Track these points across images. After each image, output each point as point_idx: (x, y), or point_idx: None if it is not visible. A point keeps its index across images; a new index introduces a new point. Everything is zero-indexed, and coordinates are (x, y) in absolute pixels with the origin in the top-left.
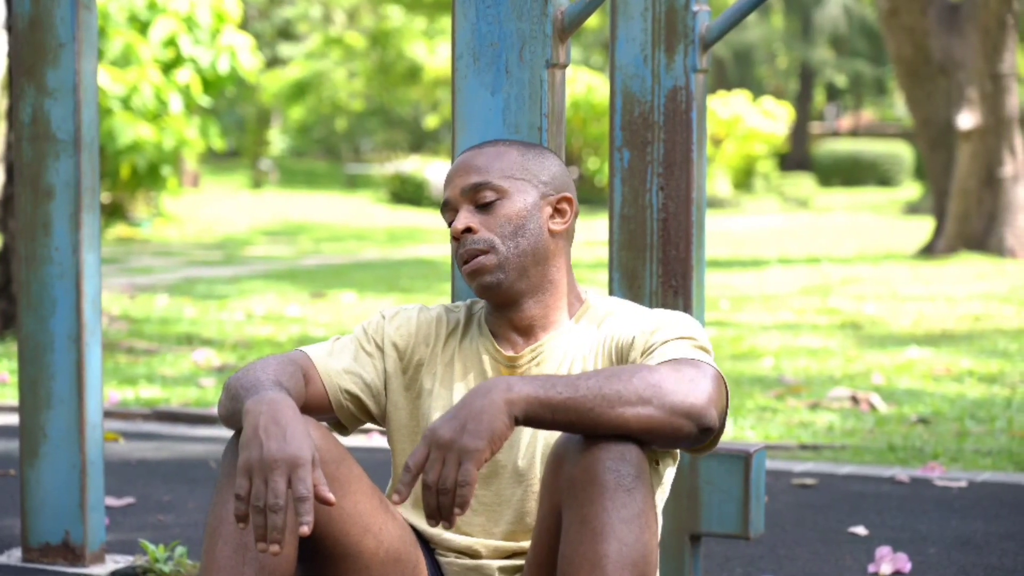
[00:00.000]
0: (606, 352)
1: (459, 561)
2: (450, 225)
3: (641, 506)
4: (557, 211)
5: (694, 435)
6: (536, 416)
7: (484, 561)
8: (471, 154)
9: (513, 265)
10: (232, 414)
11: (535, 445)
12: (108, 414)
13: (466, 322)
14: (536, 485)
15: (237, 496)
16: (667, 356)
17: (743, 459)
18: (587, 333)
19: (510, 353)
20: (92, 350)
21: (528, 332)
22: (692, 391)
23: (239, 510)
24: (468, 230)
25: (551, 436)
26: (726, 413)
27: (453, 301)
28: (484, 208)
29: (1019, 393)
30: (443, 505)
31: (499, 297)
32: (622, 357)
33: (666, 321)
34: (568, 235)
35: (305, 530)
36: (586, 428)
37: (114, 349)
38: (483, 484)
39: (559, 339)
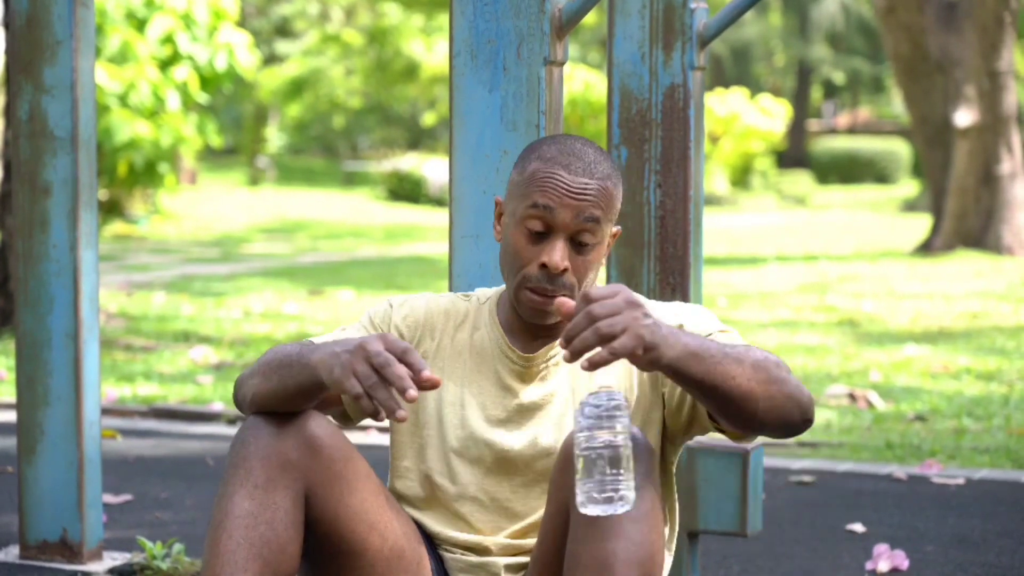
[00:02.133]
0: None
1: (464, 558)
2: (538, 217)
3: (649, 505)
4: (608, 241)
5: (797, 425)
6: (680, 359)
7: (491, 559)
8: (585, 179)
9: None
10: (275, 388)
11: (556, 448)
12: (106, 411)
13: (476, 313)
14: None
15: (356, 397)
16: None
17: (741, 456)
18: None
19: (525, 353)
20: (89, 347)
21: (548, 333)
22: (802, 386)
23: (367, 408)
24: (564, 271)
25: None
26: None
27: None
28: (578, 246)
29: (1016, 390)
30: (588, 340)
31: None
32: None
33: (700, 314)
34: None
35: (412, 393)
36: (715, 380)
37: (112, 346)
38: (499, 482)
39: None
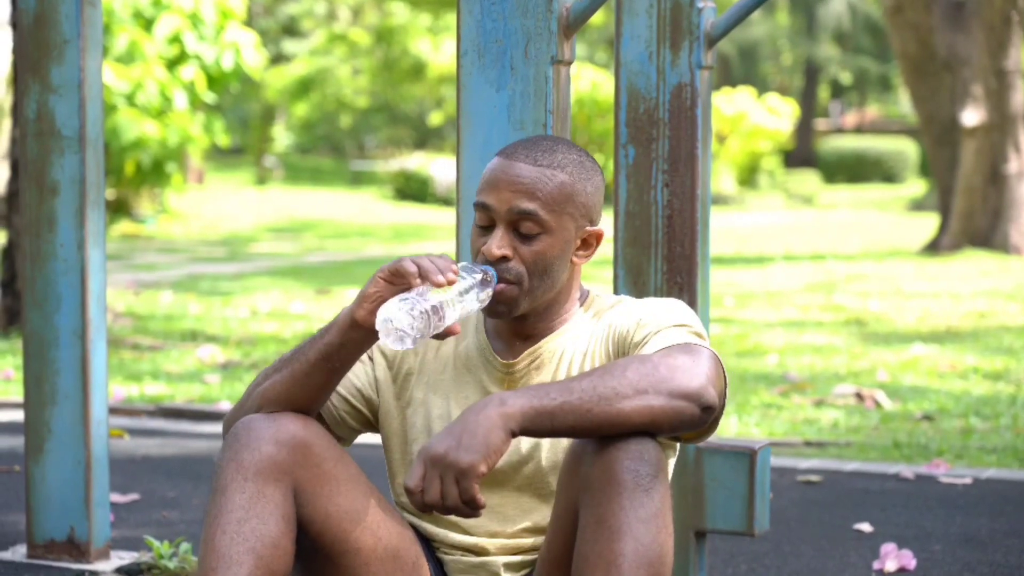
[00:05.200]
0: (605, 344)
1: (464, 558)
2: (480, 209)
3: (659, 506)
4: (584, 243)
5: (697, 416)
6: (535, 426)
7: (490, 558)
8: (523, 165)
9: (532, 297)
10: (292, 371)
11: (553, 452)
12: (113, 410)
13: (462, 322)
14: (547, 491)
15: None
16: (660, 344)
17: (748, 456)
18: (584, 329)
19: (507, 360)
20: (97, 346)
21: (529, 336)
22: (687, 373)
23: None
24: (504, 258)
25: (560, 442)
26: (725, 393)
27: None
28: (523, 237)
29: None
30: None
31: (506, 319)
32: (621, 349)
33: (658, 309)
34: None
35: (452, 275)
36: (590, 429)
37: (119, 345)
38: (492, 490)
39: (557, 339)
